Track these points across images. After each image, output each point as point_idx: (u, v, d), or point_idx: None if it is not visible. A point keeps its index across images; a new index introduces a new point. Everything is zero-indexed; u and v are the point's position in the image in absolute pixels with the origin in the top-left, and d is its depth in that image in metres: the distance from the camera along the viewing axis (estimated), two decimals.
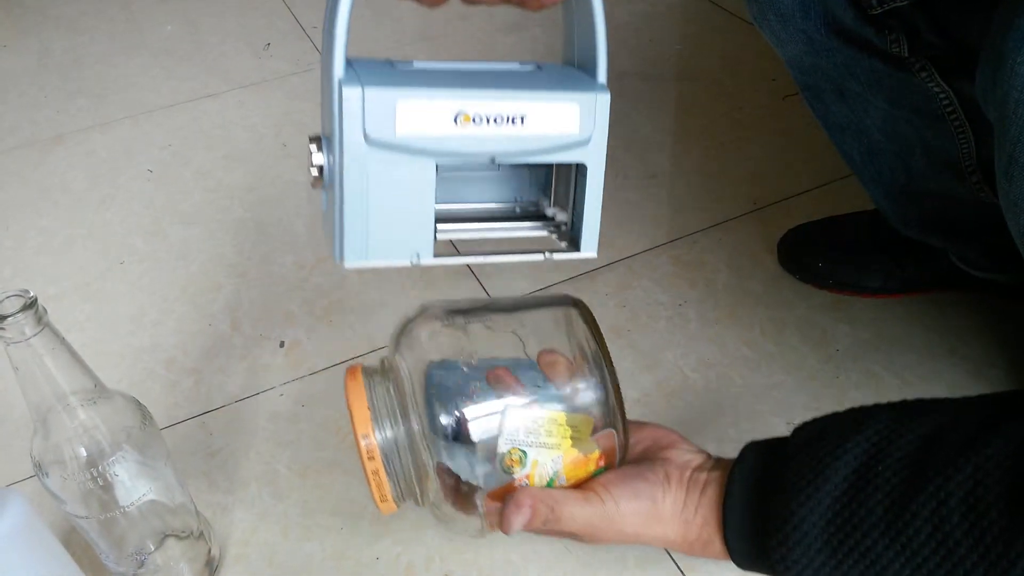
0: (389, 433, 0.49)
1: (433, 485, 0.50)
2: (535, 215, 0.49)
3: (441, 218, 0.44)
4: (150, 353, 0.82)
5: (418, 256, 0.44)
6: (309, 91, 1.23)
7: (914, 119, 0.66)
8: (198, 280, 0.91)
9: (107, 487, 0.51)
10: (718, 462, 0.52)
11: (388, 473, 0.49)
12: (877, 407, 0.47)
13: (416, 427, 0.49)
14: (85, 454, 0.50)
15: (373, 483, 0.50)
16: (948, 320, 0.80)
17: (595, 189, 0.45)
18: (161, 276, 0.92)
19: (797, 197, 0.96)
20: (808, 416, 0.48)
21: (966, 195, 0.68)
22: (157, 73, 1.30)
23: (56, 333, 0.47)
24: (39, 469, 0.51)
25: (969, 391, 0.72)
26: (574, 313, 0.53)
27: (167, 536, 0.58)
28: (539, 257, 0.46)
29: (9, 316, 0.44)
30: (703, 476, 0.50)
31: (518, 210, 0.50)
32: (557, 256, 0.47)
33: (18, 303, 0.45)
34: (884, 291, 0.82)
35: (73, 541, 0.62)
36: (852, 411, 0.48)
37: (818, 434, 0.47)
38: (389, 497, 0.50)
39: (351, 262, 0.43)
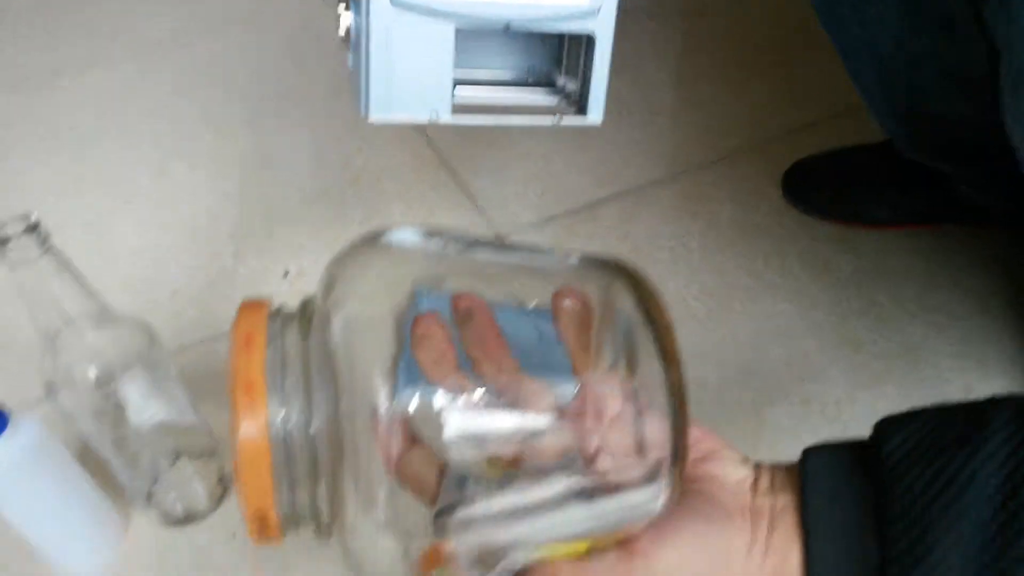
0: (296, 416, 0.32)
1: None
2: (547, 84, 0.51)
3: (461, 82, 0.47)
4: (154, 284, 0.83)
5: (437, 113, 0.46)
6: (309, 27, 1.21)
7: (928, 26, 0.65)
8: (202, 216, 0.91)
9: (118, 407, 0.53)
10: (773, 477, 0.37)
11: (279, 483, 0.32)
12: (968, 405, 0.35)
13: (346, 408, 0.32)
14: (95, 374, 0.51)
15: (251, 494, 0.32)
16: (952, 252, 0.79)
17: (603, 58, 0.47)
18: (166, 213, 0.92)
19: (803, 130, 0.95)
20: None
21: (976, 115, 0.67)
22: (160, 9, 1.28)
23: (61, 258, 0.48)
24: (50, 389, 0.52)
25: (972, 322, 0.73)
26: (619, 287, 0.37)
27: (180, 455, 0.60)
28: (548, 121, 0.49)
29: (13, 237, 0.45)
30: (765, 503, 0.36)
31: (531, 79, 0.52)
32: (565, 121, 0.49)
33: (22, 224, 0.46)
34: (889, 222, 0.81)
35: (87, 460, 0.63)
36: (944, 410, 0.35)
37: (919, 441, 0.34)
38: (273, 523, 0.33)
39: (375, 115, 0.46)
